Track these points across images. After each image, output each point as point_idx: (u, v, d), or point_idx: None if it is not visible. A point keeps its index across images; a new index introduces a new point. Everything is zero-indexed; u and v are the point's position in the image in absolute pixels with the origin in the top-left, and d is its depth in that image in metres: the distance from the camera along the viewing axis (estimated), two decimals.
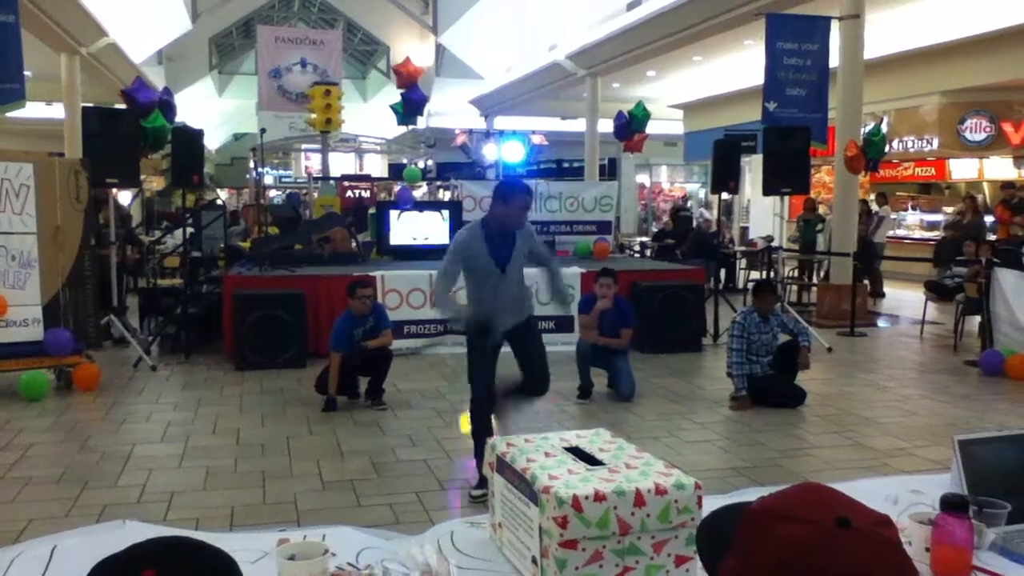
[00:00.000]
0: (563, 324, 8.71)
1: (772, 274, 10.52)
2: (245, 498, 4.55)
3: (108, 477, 4.89)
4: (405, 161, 16.76)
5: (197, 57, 26.02)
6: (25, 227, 6.95)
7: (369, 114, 26.67)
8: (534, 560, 1.68)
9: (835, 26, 10.82)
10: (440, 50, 25.62)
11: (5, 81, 7.94)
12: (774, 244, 10.87)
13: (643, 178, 28.37)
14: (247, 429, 5.95)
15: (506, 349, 4.71)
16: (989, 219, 13.68)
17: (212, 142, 29.85)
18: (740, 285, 14.16)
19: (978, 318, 8.82)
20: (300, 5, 28.92)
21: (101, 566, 1.09)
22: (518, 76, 22.78)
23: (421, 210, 10.71)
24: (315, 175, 15.25)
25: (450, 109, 24.78)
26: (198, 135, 9.11)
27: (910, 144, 16.56)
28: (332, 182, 14.71)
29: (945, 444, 4.08)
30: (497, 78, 24.29)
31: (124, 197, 11.43)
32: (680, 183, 29.06)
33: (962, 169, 16.74)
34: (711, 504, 1.65)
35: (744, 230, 20.53)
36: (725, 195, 10.50)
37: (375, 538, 1.94)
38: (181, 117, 9.49)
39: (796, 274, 13.94)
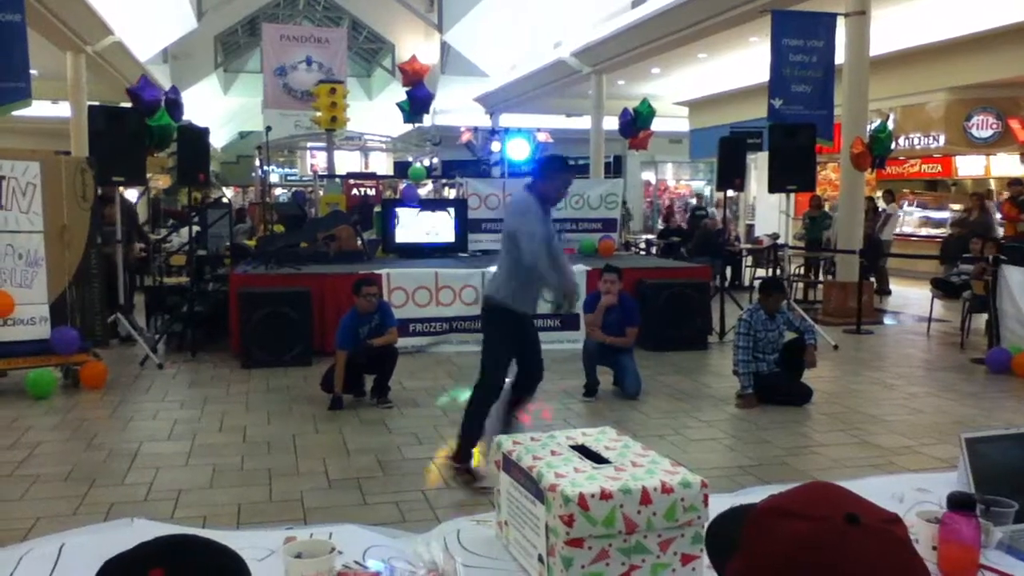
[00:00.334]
0: (569, 322, 8.71)
1: (779, 271, 10.51)
2: (252, 496, 4.56)
3: (115, 475, 4.90)
4: (410, 159, 16.78)
5: (202, 55, 26.07)
6: (32, 226, 6.97)
7: (374, 112, 26.70)
8: (540, 558, 1.68)
9: (841, 22, 10.79)
10: (445, 48, 25.61)
11: (11, 80, 7.97)
12: (780, 242, 10.85)
13: (649, 175, 28.36)
14: (253, 427, 5.96)
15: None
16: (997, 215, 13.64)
17: (217, 140, 29.90)
18: (746, 283, 14.14)
19: (985, 316, 8.79)
20: (305, 3, 28.95)
21: (109, 564, 1.09)
22: (523, 74, 22.77)
23: (433, 210, 10.71)
24: (320, 173, 15.28)
25: (455, 107, 24.79)
26: (204, 133, 9.13)
27: (916, 141, 16.52)
28: (337, 180, 14.72)
29: (952, 442, 4.09)
30: (502, 76, 24.28)
31: (131, 195, 11.43)
32: (686, 180, 29.05)
33: (969, 166, 16.69)
34: (717, 502, 1.64)
35: (750, 227, 20.50)
36: (730, 192, 10.47)
37: (381, 536, 1.94)
38: (186, 115, 9.51)
39: (802, 271, 13.92)
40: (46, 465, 5.08)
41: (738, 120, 18.58)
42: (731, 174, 9.81)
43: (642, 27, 16.15)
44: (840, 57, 10.87)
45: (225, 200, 14.53)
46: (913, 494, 2.04)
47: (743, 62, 17.54)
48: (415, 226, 10.48)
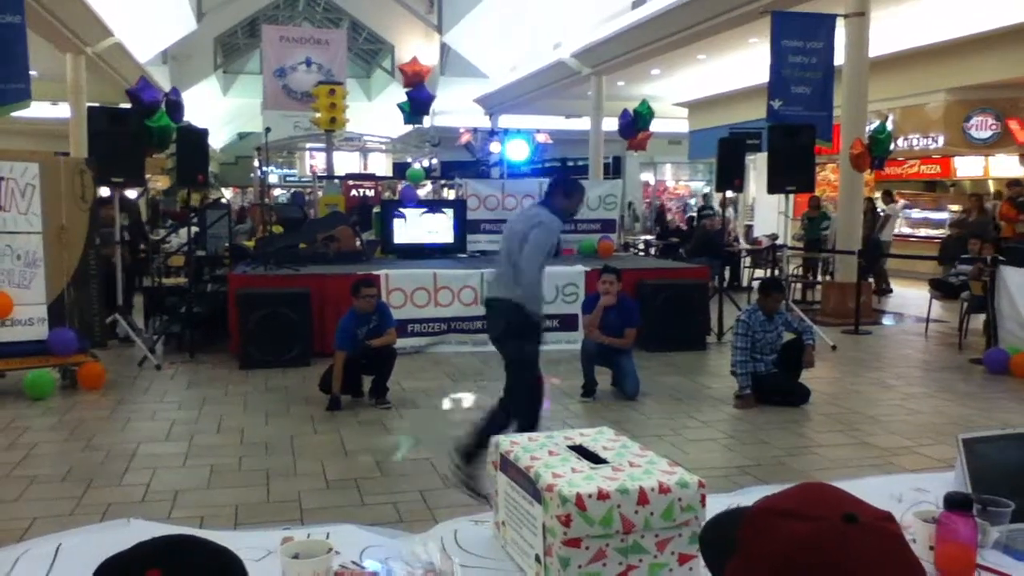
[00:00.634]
0: (568, 323, 8.71)
1: (777, 272, 10.51)
2: (249, 496, 4.55)
3: (113, 476, 4.90)
4: (410, 160, 16.76)
5: (202, 57, 26.07)
6: (30, 226, 6.96)
7: (374, 113, 26.71)
8: (537, 558, 1.68)
9: (840, 24, 10.80)
10: (445, 49, 25.63)
11: (11, 81, 7.97)
12: (779, 242, 10.86)
13: (648, 176, 28.37)
14: (251, 428, 5.96)
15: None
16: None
17: (217, 141, 29.91)
18: (745, 283, 14.14)
19: (983, 316, 8.80)
20: (305, 4, 28.95)
21: (106, 564, 1.09)
22: (523, 75, 22.78)
23: (433, 211, 10.71)
24: (320, 174, 15.26)
25: (455, 108, 24.79)
26: (203, 134, 9.12)
27: (915, 142, 16.53)
28: (337, 181, 14.72)
29: (949, 442, 4.08)
30: (502, 77, 24.29)
31: (132, 194, 11.43)
32: (685, 181, 29.06)
33: (968, 167, 16.70)
34: (715, 502, 1.65)
35: (748, 228, 20.52)
36: (729, 193, 10.47)
37: (379, 536, 1.95)
38: (186, 116, 9.51)
39: (801, 272, 13.93)
40: (43, 466, 5.08)
41: (737, 121, 18.59)
42: (730, 175, 9.81)
43: (642, 28, 16.16)
44: (839, 58, 10.88)
45: (224, 201, 14.53)
46: (911, 494, 2.05)
47: (743, 63, 17.55)
48: (417, 227, 10.49)
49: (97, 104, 10.01)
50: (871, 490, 1.73)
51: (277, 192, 21.62)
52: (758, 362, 6.62)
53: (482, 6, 21.60)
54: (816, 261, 13.90)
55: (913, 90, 15.65)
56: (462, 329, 8.72)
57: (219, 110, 28.86)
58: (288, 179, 28.36)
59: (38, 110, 13.64)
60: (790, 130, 9.52)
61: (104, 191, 8.78)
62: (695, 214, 17.36)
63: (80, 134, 14.62)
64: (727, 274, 14.22)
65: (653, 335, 8.59)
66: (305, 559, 1.59)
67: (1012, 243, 9.17)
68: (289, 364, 7.93)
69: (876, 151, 10.33)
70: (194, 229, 9.79)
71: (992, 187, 16.37)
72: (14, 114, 8.33)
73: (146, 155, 8.60)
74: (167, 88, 12.80)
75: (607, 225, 11.36)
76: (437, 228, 10.55)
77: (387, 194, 14.63)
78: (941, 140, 15.97)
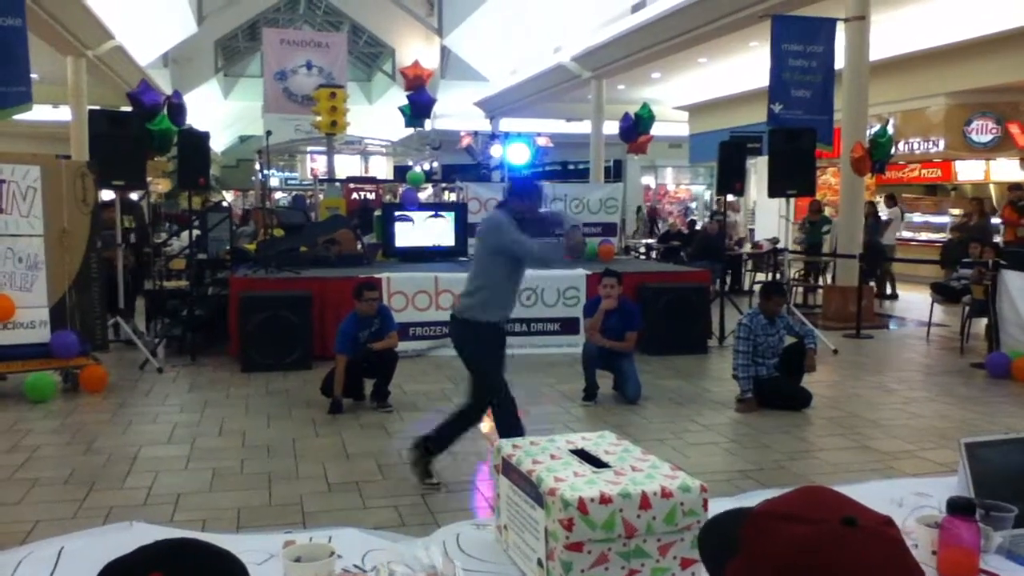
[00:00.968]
0: (569, 327, 8.71)
1: (778, 276, 10.51)
2: (251, 500, 4.55)
3: (115, 479, 4.90)
4: (410, 163, 16.79)
5: (203, 60, 26.12)
6: (32, 229, 6.97)
7: (374, 116, 26.75)
8: (540, 562, 1.68)
9: (840, 27, 10.80)
10: (445, 52, 25.66)
11: (12, 84, 7.97)
12: (780, 246, 10.86)
13: (649, 180, 28.39)
14: (253, 431, 5.96)
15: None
16: (995, 220, 13.65)
17: (218, 144, 29.92)
18: (746, 287, 14.14)
19: (985, 320, 8.79)
20: (305, 8, 29.00)
21: (108, 568, 1.09)
22: (523, 78, 22.81)
23: (437, 215, 10.72)
24: (321, 177, 15.27)
25: (455, 111, 24.83)
26: (204, 137, 9.13)
27: (916, 146, 16.54)
28: (338, 184, 14.74)
29: (951, 447, 4.09)
30: (502, 80, 24.32)
31: (136, 197, 11.44)
32: (685, 184, 29.08)
33: (968, 171, 16.70)
34: (717, 506, 1.64)
35: (750, 232, 20.53)
36: (730, 197, 10.48)
37: (381, 540, 1.95)
38: (187, 120, 9.52)
39: (802, 276, 13.92)
40: (45, 469, 5.07)
41: (738, 124, 18.60)
42: (731, 178, 9.81)
43: (642, 32, 16.18)
44: (840, 62, 10.88)
45: (225, 204, 14.54)
46: (913, 498, 2.04)
47: (743, 67, 17.58)
48: (419, 230, 10.49)
49: (98, 107, 10.04)
50: (873, 494, 1.73)
51: (278, 195, 21.65)
52: (760, 366, 6.62)
53: (482, 9, 21.64)
54: (817, 265, 13.90)
55: (914, 94, 15.66)
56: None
57: (220, 113, 28.90)
58: (289, 182, 28.43)
59: (39, 113, 13.64)
60: (791, 134, 9.52)
61: (109, 194, 8.79)
62: (708, 216, 17.32)
63: (81, 137, 14.64)
64: (728, 278, 14.22)
65: (654, 339, 8.59)
66: (307, 563, 1.59)
67: (1013, 247, 9.18)
68: (290, 367, 7.92)
69: (877, 155, 10.33)
70: (195, 232, 9.79)
71: (993, 191, 16.37)
72: (15, 117, 8.33)
73: (147, 158, 8.61)
74: (168, 91, 12.81)
75: (608, 228, 11.36)
76: (438, 231, 10.56)
77: (388, 197, 14.65)
78: (942, 144, 15.98)
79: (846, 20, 10.81)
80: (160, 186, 20.18)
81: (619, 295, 6.95)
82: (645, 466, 1.79)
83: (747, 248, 16.38)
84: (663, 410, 6.63)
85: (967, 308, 9.41)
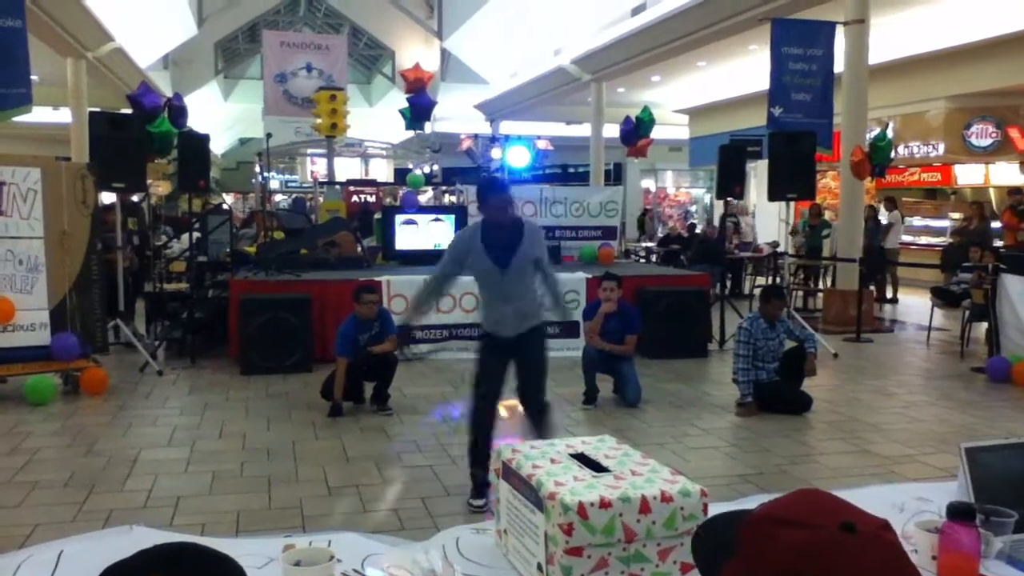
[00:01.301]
0: (569, 330, 8.70)
1: (778, 280, 10.52)
2: (251, 503, 4.55)
3: (115, 481, 4.90)
4: (411, 166, 16.80)
5: (203, 62, 26.13)
6: (32, 231, 6.97)
7: (374, 119, 26.76)
8: (539, 567, 1.68)
9: (840, 31, 10.81)
10: (445, 55, 25.69)
11: (12, 86, 7.96)
12: (780, 250, 10.86)
13: (649, 183, 28.41)
14: (253, 434, 5.95)
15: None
16: (995, 224, 13.66)
17: (218, 147, 29.92)
18: (746, 291, 14.15)
19: (985, 324, 8.79)
20: (306, 10, 29.03)
21: (108, 572, 1.09)
22: (523, 81, 22.83)
23: (436, 217, 10.72)
24: (321, 180, 15.27)
25: (455, 114, 24.85)
26: (204, 140, 9.13)
27: (916, 149, 16.55)
28: (338, 187, 14.74)
29: (952, 451, 4.08)
30: (502, 83, 24.35)
31: (138, 199, 11.45)
32: (685, 188, 29.09)
33: (968, 175, 16.71)
34: (717, 511, 1.64)
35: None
36: (737, 200, 10.49)
37: (380, 544, 1.95)
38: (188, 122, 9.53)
39: (802, 279, 13.93)
40: (45, 471, 5.07)
41: (738, 128, 18.62)
42: (731, 182, 9.81)
43: (642, 35, 16.20)
44: (839, 66, 10.89)
45: (225, 206, 14.54)
46: (913, 503, 2.05)
47: (743, 70, 17.59)
48: (420, 233, 10.49)
49: (98, 109, 10.03)
50: (873, 499, 1.73)
51: (278, 198, 21.65)
52: (760, 370, 6.62)
53: (482, 12, 21.67)
54: (817, 269, 13.90)
55: (913, 98, 15.67)
56: (463, 335, 8.71)
57: (220, 115, 28.91)
58: (289, 185, 28.41)
59: (39, 115, 13.64)
60: (791, 137, 9.53)
61: (111, 196, 8.78)
62: (711, 220, 17.27)
63: (81, 139, 14.65)
64: (728, 281, 14.23)
65: (654, 342, 8.59)
66: (307, 567, 1.59)
67: (1013, 251, 9.18)
68: (290, 370, 7.92)
69: (876, 159, 10.34)
70: (195, 234, 9.79)
71: (993, 195, 16.38)
72: (15, 119, 8.33)
73: (147, 160, 8.61)
74: (168, 93, 12.82)
75: (608, 232, 11.36)
76: (438, 234, 10.56)
77: (388, 200, 14.66)
78: (941, 148, 15.99)
79: (846, 24, 10.82)
80: (160, 188, 20.18)
81: (619, 298, 6.96)
82: (645, 470, 1.79)
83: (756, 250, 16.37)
84: (663, 414, 6.63)
85: (967, 312, 9.41)
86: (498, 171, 14.03)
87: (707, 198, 26.91)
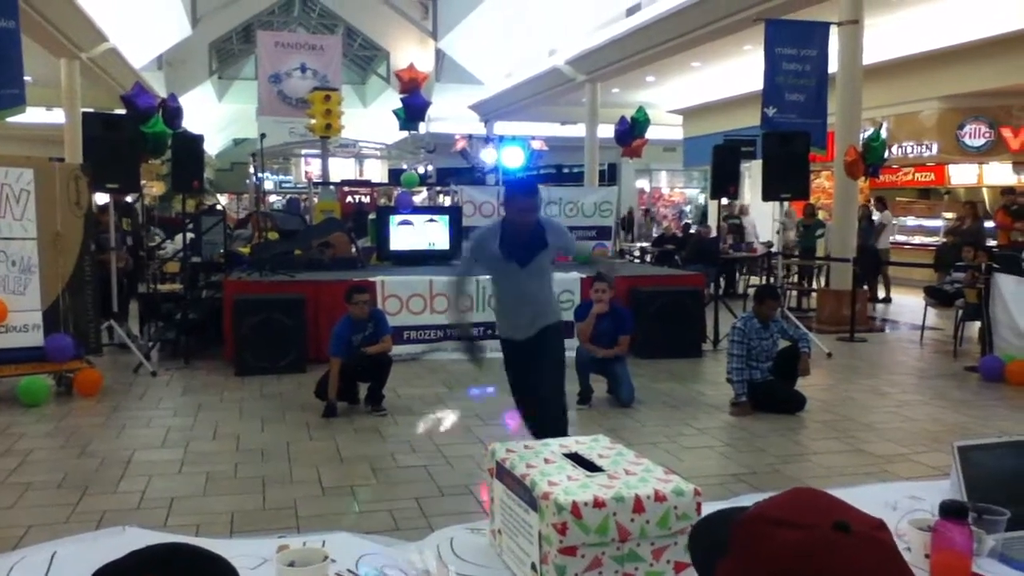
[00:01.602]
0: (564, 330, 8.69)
1: (772, 279, 10.53)
2: (245, 504, 4.54)
3: (108, 483, 4.88)
4: (405, 166, 16.78)
5: (197, 62, 26.08)
6: (25, 232, 6.95)
7: (369, 119, 26.73)
8: (533, 567, 1.68)
9: (834, 32, 10.84)
10: (440, 55, 25.68)
11: (5, 86, 7.95)
12: (774, 250, 10.88)
13: (643, 183, 28.44)
14: (247, 434, 5.94)
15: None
16: (989, 224, 13.71)
17: (212, 147, 29.91)
18: (740, 291, 14.16)
19: (978, 324, 8.82)
20: (300, 10, 28.97)
21: (101, 572, 1.09)
22: (518, 81, 22.85)
23: (431, 217, 10.72)
24: (315, 180, 15.24)
25: (450, 114, 24.85)
26: (198, 140, 9.12)
27: (909, 150, 16.60)
28: (332, 187, 14.72)
29: (945, 450, 4.10)
30: (497, 83, 24.35)
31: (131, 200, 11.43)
32: (680, 188, 29.13)
33: (961, 175, 16.76)
34: (710, 510, 1.65)
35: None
36: (724, 200, 10.51)
37: (375, 544, 1.94)
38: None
39: (796, 279, 13.95)
40: (38, 473, 5.05)
41: (732, 128, 18.64)
42: (725, 182, 9.82)
43: (636, 35, 16.22)
44: (833, 66, 10.92)
45: (219, 207, 14.51)
46: (906, 502, 2.05)
47: (737, 71, 17.62)
48: (414, 233, 10.49)
49: (92, 110, 10.01)
50: (866, 498, 1.74)
51: (272, 198, 21.61)
52: (754, 369, 6.63)
53: (477, 12, 21.66)
54: (811, 268, 13.92)
55: (907, 98, 15.72)
56: (459, 338, 8.69)
57: (214, 116, 28.86)
58: (284, 185, 28.37)
59: (32, 116, 13.60)
60: (784, 137, 9.55)
61: (104, 197, 8.76)
62: (732, 220, 17.24)
63: (75, 140, 14.63)
64: (723, 281, 14.25)
65: (648, 342, 8.59)
66: (301, 567, 1.59)
67: (1006, 250, 9.21)
68: (284, 370, 7.91)
69: (870, 159, 10.36)
70: (189, 235, 9.77)
71: (986, 195, 16.43)
72: (8, 120, 8.31)
73: (141, 161, 8.59)
74: (162, 94, 12.79)
75: (602, 232, 11.37)
76: (433, 235, 10.56)
77: (383, 200, 14.64)
78: (935, 148, 16.04)
79: (839, 24, 10.84)
80: (154, 189, 20.14)
81: (611, 299, 6.96)
82: (639, 470, 1.79)
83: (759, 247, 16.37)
84: (657, 414, 6.64)
85: (960, 312, 9.44)
86: (492, 171, 14.02)
87: (701, 198, 26.96)
